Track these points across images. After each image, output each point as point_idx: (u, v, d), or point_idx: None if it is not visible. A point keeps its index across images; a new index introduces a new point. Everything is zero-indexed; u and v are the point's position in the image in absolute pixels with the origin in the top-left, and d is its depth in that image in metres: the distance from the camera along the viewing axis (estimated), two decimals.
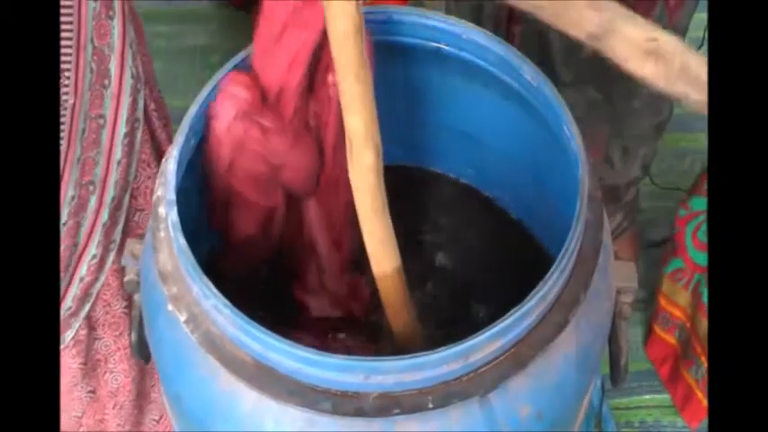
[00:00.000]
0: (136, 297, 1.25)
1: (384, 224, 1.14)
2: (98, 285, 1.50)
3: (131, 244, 1.26)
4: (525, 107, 1.26)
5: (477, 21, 1.69)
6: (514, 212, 1.46)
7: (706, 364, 1.94)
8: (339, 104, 1.10)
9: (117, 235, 1.49)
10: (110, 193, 1.44)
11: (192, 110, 1.19)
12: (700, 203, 1.90)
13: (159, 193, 1.18)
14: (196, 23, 2.63)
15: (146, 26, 2.60)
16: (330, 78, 1.14)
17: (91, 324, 1.54)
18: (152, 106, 1.53)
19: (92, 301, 1.51)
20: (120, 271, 1.51)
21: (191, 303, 1.12)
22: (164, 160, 1.20)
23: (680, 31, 1.70)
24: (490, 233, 1.45)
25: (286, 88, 1.16)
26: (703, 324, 1.92)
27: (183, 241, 1.09)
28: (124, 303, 1.56)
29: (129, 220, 1.52)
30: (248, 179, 1.20)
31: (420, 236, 1.47)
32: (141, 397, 1.69)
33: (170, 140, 1.56)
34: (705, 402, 1.97)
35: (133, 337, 1.26)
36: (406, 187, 1.37)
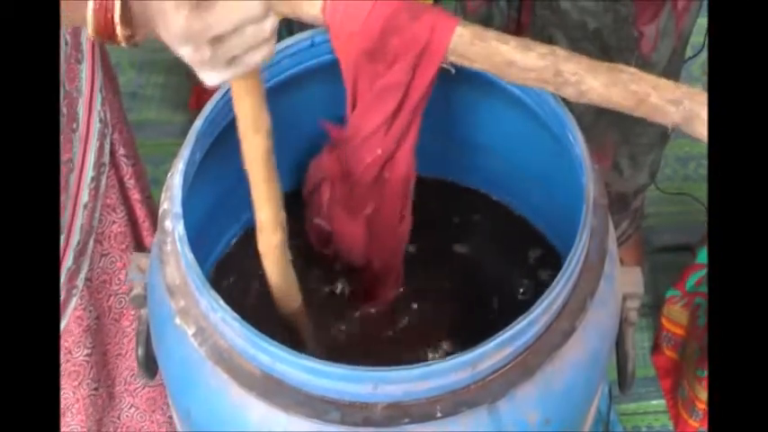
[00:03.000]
0: (142, 311, 1.25)
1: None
2: (59, 331, 1.47)
3: (138, 257, 1.26)
4: (529, 115, 1.26)
5: None
6: (522, 216, 1.46)
7: (687, 386, 1.97)
8: (393, 192, 1.29)
9: (80, 281, 1.47)
10: (75, 237, 1.43)
11: (198, 123, 1.20)
12: (704, 256, 1.92)
13: (165, 206, 1.18)
14: None
15: (151, 39, 2.61)
16: (386, 174, 1.29)
17: None
18: (121, 151, 1.51)
19: None
20: (84, 319, 1.49)
21: (198, 317, 1.12)
22: (169, 174, 1.20)
23: (685, 36, 1.70)
24: (500, 237, 1.46)
25: (361, 178, 1.30)
26: (692, 346, 1.93)
27: (190, 255, 1.09)
28: (86, 351, 1.53)
29: (93, 266, 1.50)
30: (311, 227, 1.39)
31: (430, 244, 1.47)
32: None
33: (138, 184, 1.56)
34: (691, 423, 1.99)
35: (140, 351, 1.26)
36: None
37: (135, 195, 1.55)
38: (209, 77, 0.93)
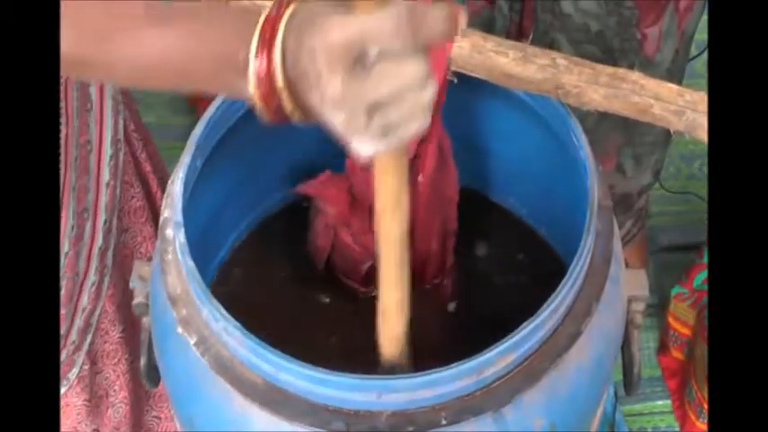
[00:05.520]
0: (144, 320, 1.24)
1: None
2: (97, 314, 1.49)
3: (139, 266, 1.25)
4: (533, 116, 1.26)
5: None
6: (525, 220, 1.45)
7: (696, 387, 1.96)
8: (425, 198, 1.25)
9: (109, 259, 1.48)
10: (101, 216, 1.44)
11: (198, 130, 1.19)
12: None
13: (166, 214, 1.17)
14: None
15: None
16: (420, 178, 1.24)
17: (92, 358, 1.52)
18: (131, 127, 1.53)
19: (92, 331, 1.49)
20: (115, 296, 1.51)
21: (200, 326, 1.11)
22: (170, 182, 1.19)
23: (688, 36, 1.69)
24: (501, 241, 1.45)
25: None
26: (702, 348, 1.93)
27: (191, 263, 1.09)
28: (120, 328, 1.54)
29: (117, 242, 1.52)
30: (348, 271, 1.34)
31: None
32: (138, 425, 1.66)
33: (150, 160, 1.58)
34: (698, 425, 1.98)
35: (142, 361, 1.25)
36: None
37: (147, 168, 1.58)
38: (362, 148, 0.86)
